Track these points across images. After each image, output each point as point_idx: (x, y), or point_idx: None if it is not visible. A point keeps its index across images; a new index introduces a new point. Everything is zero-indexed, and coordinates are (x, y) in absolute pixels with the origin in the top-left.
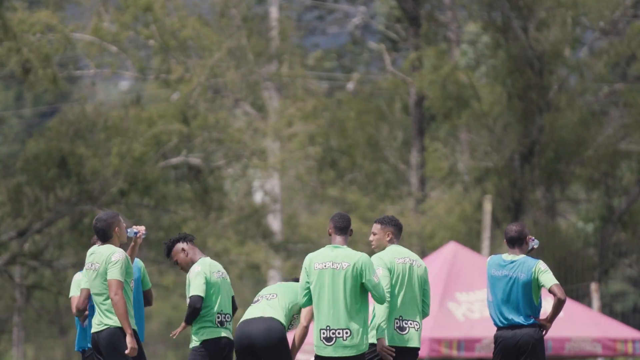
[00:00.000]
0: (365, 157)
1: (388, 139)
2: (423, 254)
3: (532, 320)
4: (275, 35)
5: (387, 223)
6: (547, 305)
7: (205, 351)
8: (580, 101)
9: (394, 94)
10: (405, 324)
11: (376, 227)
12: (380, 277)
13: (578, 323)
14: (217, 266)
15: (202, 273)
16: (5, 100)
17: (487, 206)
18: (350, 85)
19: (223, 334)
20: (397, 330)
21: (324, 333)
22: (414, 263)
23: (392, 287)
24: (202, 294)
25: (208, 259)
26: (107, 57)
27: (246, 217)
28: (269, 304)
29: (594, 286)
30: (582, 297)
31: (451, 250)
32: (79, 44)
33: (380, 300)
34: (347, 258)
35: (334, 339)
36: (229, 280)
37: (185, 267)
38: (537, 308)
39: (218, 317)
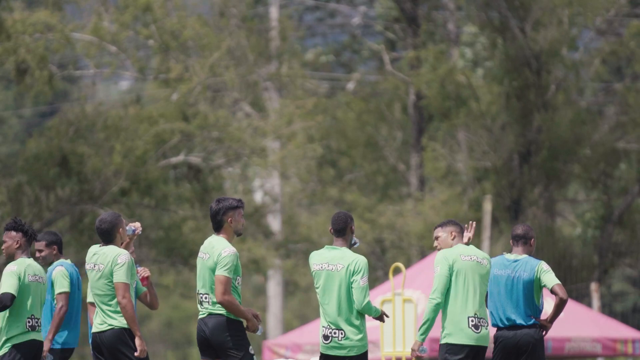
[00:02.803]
0: (365, 158)
1: (387, 139)
2: (422, 254)
3: (532, 321)
4: (275, 36)
5: (447, 223)
6: (547, 306)
7: (16, 356)
8: (578, 100)
9: (393, 94)
10: (479, 322)
11: (437, 231)
12: (436, 275)
13: (578, 323)
14: (34, 268)
15: (17, 273)
16: (5, 100)
17: (487, 206)
18: (350, 86)
19: (33, 337)
20: (473, 328)
21: (323, 331)
22: (481, 262)
23: (459, 285)
24: (15, 293)
25: (28, 259)
26: (106, 57)
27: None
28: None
29: (593, 286)
30: (582, 297)
31: None
32: (79, 43)
33: (357, 304)
34: (343, 260)
35: (330, 338)
36: (45, 285)
37: (6, 255)
38: (538, 308)
39: (29, 322)
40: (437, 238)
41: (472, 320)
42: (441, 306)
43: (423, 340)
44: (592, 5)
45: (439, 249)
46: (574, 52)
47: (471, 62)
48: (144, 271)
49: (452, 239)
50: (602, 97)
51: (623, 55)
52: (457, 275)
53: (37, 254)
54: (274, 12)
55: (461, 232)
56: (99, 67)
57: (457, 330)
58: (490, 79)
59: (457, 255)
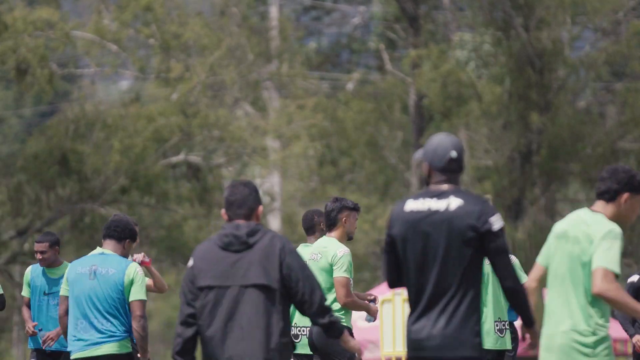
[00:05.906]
0: (365, 157)
1: (388, 139)
2: None
3: None
4: (275, 35)
5: None
6: None
7: None
8: (579, 99)
9: (394, 94)
10: (504, 325)
11: None
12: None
13: None
14: None
15: None
16: (5, 100)
17: None
18: (350, 85)
19: None
20: (498, 333)
21: (292, 330)
22: None
23: (488, 287)
24: None
25: None
26: (107, 56)
27: None
28: None
29: None
30: None
31: None
32: (79, 42)
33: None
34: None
35: (300, 336)
36: None
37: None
38: None
39: None
40: None
41: (497, 325)
42: None
43: None
44: (595, 5)
45: None
46: (578, 51)
47: (472, 62)
48: (143, 257)
49: None
50: (603, 97)
51: (622, 55)
52: (487, 277)
53: (39, 256)
54: (274, 11)
55: None
56: (99, 66)
57: (484, 334)
58: (492, 78)
59: None
